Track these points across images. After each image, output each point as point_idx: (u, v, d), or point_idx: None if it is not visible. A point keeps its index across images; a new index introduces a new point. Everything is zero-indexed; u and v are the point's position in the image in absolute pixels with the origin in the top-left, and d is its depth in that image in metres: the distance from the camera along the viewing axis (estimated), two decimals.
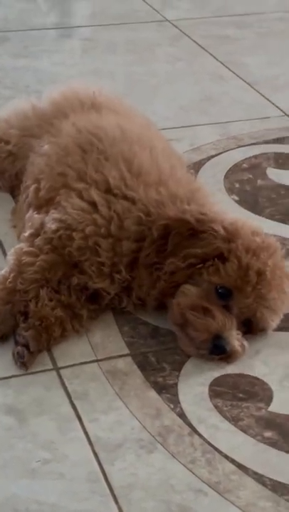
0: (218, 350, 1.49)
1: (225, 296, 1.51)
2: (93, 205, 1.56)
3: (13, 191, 1.93)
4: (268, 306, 1.52)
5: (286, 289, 1.55)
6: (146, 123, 1.84)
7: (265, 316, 1.53)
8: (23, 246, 1.59)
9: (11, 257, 1.59)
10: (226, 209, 1.77)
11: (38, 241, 1.57)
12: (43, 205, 1.66)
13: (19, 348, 1.49)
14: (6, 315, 1.53)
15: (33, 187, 1.71)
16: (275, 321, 1.56)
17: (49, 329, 1.52)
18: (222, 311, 1.49)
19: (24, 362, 1.48)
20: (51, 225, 1.57)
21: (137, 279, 1.56)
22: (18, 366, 1.49)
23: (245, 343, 1.53)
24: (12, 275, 1.55)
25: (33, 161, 1.77)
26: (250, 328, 1.55)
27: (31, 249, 1.57)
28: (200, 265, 1.52)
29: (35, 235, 1.59)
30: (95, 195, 1.57)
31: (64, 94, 1.89)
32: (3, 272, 1.57)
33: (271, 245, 1.55)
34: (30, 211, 1.68)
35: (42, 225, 1.59)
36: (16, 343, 1.51)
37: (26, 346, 1.49)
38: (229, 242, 1.52)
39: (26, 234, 1.61)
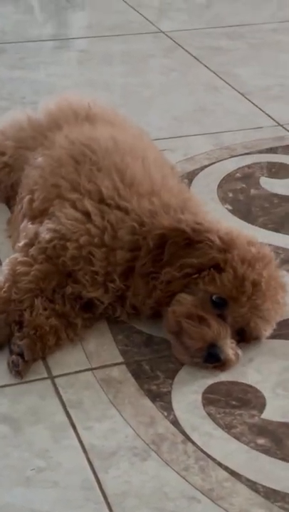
0: (213, 359, 1.50)
1: (220, 305, 1.52)
2: (87, 215, 1.58)
3: (9, 202, 1.95)
4: (261, 316, 1.53)
5: (280, 300, 1.56)
6: (140, 134, 1.85)
7: (258, 326, 1.55)
8: (18, 256, 1.60)
9: (5, 267, 1.60)
10: (220, 218, 1.78)
11: (32, 251, 1.59)
12: (37, 215, 1.68)
13: (14, 357, 1.50)
14: (0, 324, 1.54)
15: (27, 198, 1.73)
16: (268, 331, 1.57)
17: (44, 338, 1.53)
18: (217, 320, 1.51)
19: (19, 371, 1.49)
20: (45, 235, 1.58)
21: (133, 288, 1.57)
22: (13, 375, 1.50)
23: (239, 351, 1.54)
24: (7, 285, 1.56)
25: (28, 173, 1.79)
26: (244, 337, 1.56)
27: (26, 259, 1.58)
28: (196, 275, 1.53)
29: (29, 244, 1.61)
30: (89, 205, 1.58)
31: (59, 106, 1.91)
32: None
33: (266, 256, 1.57)
34: (25, 221, 1.70)
35: (36, 235, 1.61)
36: (11, 352, 1.52)
37: (21, 355, 1.50)
38: (225, 253, 1.53)
39: (21, 244, 1.63)
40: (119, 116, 1.92)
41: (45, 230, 1.59)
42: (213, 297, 1.52)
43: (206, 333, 1.49)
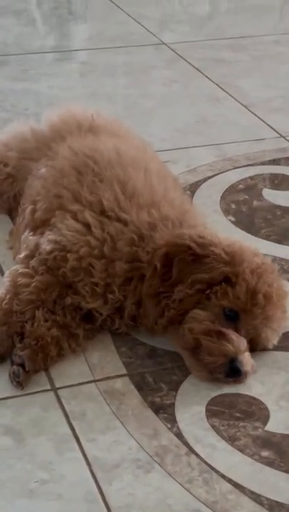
0: (235, 373, 1.50)
1: (233, 318, 1.52)
2: (87, 226, 1.58)
3: (11, 213, 1.95)
4: (271, 326, 1.55)
5: (285, 308, 1.58)
6: (143, 145, 1.86)
7: (268, 336, 1.56)
8: (18, 267, 1.60)
9: (6, 278, 1.60)
10: (223, 230, 1.78)
11: (33, 262, 1.59)
12: (39, 226, 1.68)
13: (15, 367, 1.50)
14: (2, 336, 1.54)
15: (29, 208, 1.73)
16: (275, 340, 1.59)
17: (45, 349, 1.53)
18: (235, 333, 1.51)
19: (20, 381, 1.49)
20: (46, 246, 1.58)
21: (143, 309, 1.57)
22: (14, 385, 1.50)
23: (254, 363, 1.54)
24: (8, 296, 1.56)
25: (31, 183, 1.79)
26: (252, 347, 1.56)
27: (26, 270, 1.58)
28: (208, 290, 1.53)
29: (30, 256, 1.61)
30: (89, 217, 1.58)
31: (62, 118, 1.91)
32: None
33: (270, 266, 1.58)
34: (26, 232, 1.70)
35: (37, 246, 1.61)
36: (12, 362, 1.52)
37: (22, 366, 1.50)
38: (232, 266, 1.53)
39: (21, 255, 1.63)
40: (123, 127, 1.93)
41: (45, 242, 1.59)
42: (226, 311, 1.52)
43: (228, 348, 1.48)
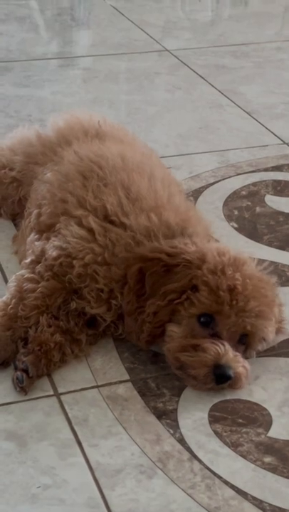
0: (223, 378, 1.49)
1: (208, 323, 1.51)
2: (91, 232, 1.58)
3: (15, 219, 1.96)
4: (254, 315, 1.51)
5: (267, 293, 1.54)
6: (149, 152, 1.86)
7: (256, 326, 1.52)
8: (24, 273, 1.61)
9: (12, 283, 1.61)
10: (225, 236, 1.79)
11: (38, 268, 1.59)
12: (44, 230, 1.68)
13: (18, 373, 1.50)
14: (6, 341, 1.54)
15: (35, 212, 1.73)
16: (269, 327, 1.54)
17: (48, 354, 1.53)
18: (210, 340, 1.49)
19: (23, 387, 1.49)
20: (52, 253, 1.59)
21: (125, 326, 1.57)
22: (18, 391, 1.50)
23: (246, 363, 1.53)
24: (13, 301, 1.57)
25: (37, 188, 1.79)
26: (249, 343, 1.55)
27: (32, 275, 1.59)
28: (179, 300, 1.52)
29: (35, 261, 1.61)
30: (93, 222, 1.59)
31: (68, 123, 1.91)
32: (4, 298, 1.59)
33: (238, 259, 1.55)
34: (32, 235, 1.70)
35: (43, 252, 1.61)
36: (16, 368, 1.52)
37: (25, 371, 1.50)
38: (198, 270, 1.52)
39: (27, 261, 1.64)
40: (128, 134, 1.93)
41: (51, 248, 1.60)
42: (200, 318, 1.51)
43: (205, 358, 1.48)
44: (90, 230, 1.58)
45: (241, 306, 1.50)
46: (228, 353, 1.49)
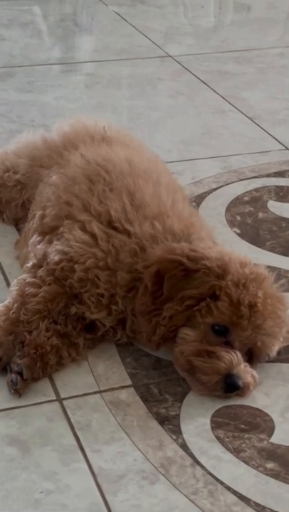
0: (233, 388, 1.50)
1: (222, 332, 1.52)
2: (94, 238, 1.59)
3: (18, 224, 1.96)
4: (266, 334, 1.53)
5: (281, 314, 1.55)
6: (155, 158, 1.86)
7: (265, 344, 1.55)
8: (26, 277, 1.61)
9: (14, 287, 1.61)
10: (228, 242, 1.79)
11: (40, 272, 1.59)
12: (47, 232, 1.68)
13: (13, 375, 1.50)
14: (8, 346, 1.54)
15: (39, 213, 1.73)
16: (275, 346, 1.57)
17: (44, 357, 1.53)
18: (225, 349, 1.51)
19: (17, 389, 1.50)
20: (54, 257, 1.59)
21: (137, 326, 1.58)
22: (12, 393, 1.50)
23: (254, 373, 1.54)
24: (15, 306, 1.57)
25: (42, 190, 1.79)
26: (253, 356, 1.56)
27: (34, 280, 1.59)
28: (197, 307, 1.53)
29: (37, 265, 1.61)
30: (96, 228, 1.59)
31: (74, 128, 1.91)
32: (6, 302, 1.59)
33: (259, 275, 1.56)
34: (34, 237, 1.71)
35: (45, 255, 1.61)
36: (11, 370, 1.52)
37: (20, 374, 1.50)
38: (220, 279, 1.53)
39: (29, 264, 1.64)
40: (135, 140, 1.93)
41: (54, 252, 1.60)
42: (215, 326, 1.52)
43: (219, 366, 1.49)
44: (93, 236, 1.59)
45: (258, 324, 1.52)
46: (240, 363, 1.50)
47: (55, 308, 1.58)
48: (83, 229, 1.61)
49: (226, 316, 1.51)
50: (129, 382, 1.56)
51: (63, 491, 1.34)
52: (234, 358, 1.49)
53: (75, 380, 1.56)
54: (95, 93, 2.77)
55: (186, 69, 2.99)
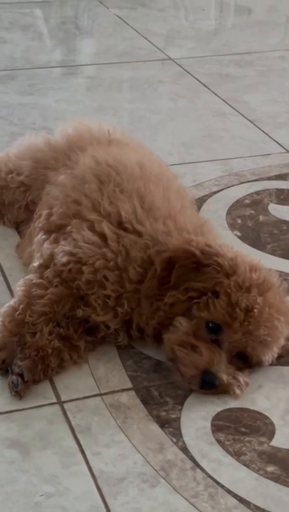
0: (208, 385, 1.50)
1: (214, 330, 1.52)
2: (104, 238, 1.58)
3: (19, 227, 1.96)
4: (258, 341, 1.52)
5: (278, 325, 1.54)
6: (162, 163, 1.86)
7: (256, 351, 1.54)
8: (33, 277, 1.60)
9: (20, 288, 1.60)
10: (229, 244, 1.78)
11: (47, 273, 1.58)
12: (53, 230, 1.67)
13: (14, 377, 1.50)
14: (13, 347, 1.54)
15: (45, 212, 1.73)
16: (267, 355, 1.56)
17: (45, 360, 1.53)
18: (209, 346, 1.50)
19: (18, 391, 1.49)
20: (61, 258, 1.58)
21: (138, 308, 1.57)
22: (13, 395, 1.50)
23: (241, 376, 1.53)
24: (21, 307, 1.56)
25: (49, 191, 1.78)
26: (246, 361, 1.55)
27: (41, 281, 1.58)
28: (198, 299, 1.53)
29: (44, 265, 1.61)
30: (106, 228, 1.58)
31: (78, 130, 1.91)
32: (11, 302, 1.59)
33: (267, 281, 1.55)
34: (40, 235, 1.70)
35: (51, 256, 1.61)
36: (12, 372, 1.52)
37: (21, 375, 1.50)
38: (226, 278, 1.53)
39: (35, 264, 1.63)
40: (140, 144, 1.92)
41: (61, 252, 1.59)
42: (209, 323, 1.52)
43: (198, 361, 1.49)
44: (103, 236, 1.58)
45: (251, 330, 1.51)
46: (220, 362, 1.50)
47: (60, 310, 1.57)
48: (92, 229, 1.60)
49: (220, 315, 1.51)
50: (129, 385, 1.56)
51: (63, 494, 1.34)
52: (216, 357, 1.49)
53: (75, 382, 1.56)
54: (96, 96, 2.77)
55: (187, 72, 2.99)
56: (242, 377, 1.53)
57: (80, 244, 1.57)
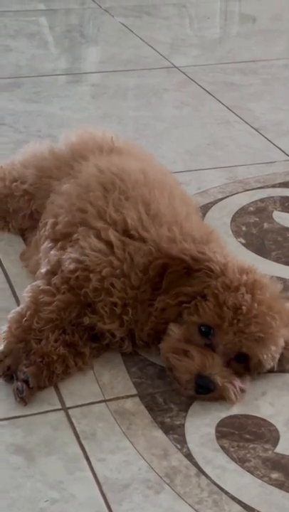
0: (203, 389, 1.50)
1: (207, 334, 1.52)
2: (110, 246, 1.58)
3: (24, 234, 1.96)
4: (251, 339, 1.51)
5: (270, 321, 1.52)
6: (165, 171, 1.87)
7: (253, 350, 1.52)
8: (40, 284, 1.60)
9: (27, 294, 1.60)
10: (233, 252, 1.78)
11: (55, 280, 1.59)
12: (59, 238, 1.68)
13: (19, 383, 1.50)
14: (18, 353, 1.54)
15: (51, 221, 1.73)
16: (265, 354, 1.53)
17: (51, 366, 1.53)
18: (201, 350, 1.51)
19: (23, 397, 1.50)
20: (69, 265, 1.59)
21: (135, 314, 1.58)
22: (18, 401, 1.50)
23: (238, 382, 1.51)
24: (28, 313, 1.56)
25: (54, 200, 1.78)
26: (247, 365, 1.54)
27: (48, 287, 1.59)
28: (188, 304, 1.53)
29: (51, 272, 1.61)
30: (112, 236, 1.59)
31: (82, 138, 1.92)
32: (19, 309, 1.59)
33: (257, 282, 1.54)
34: (46, 243, 1.71)
35: (59, 262, 1.61)
36: (17, 378, 1.52)
37: (26, 382, 1.50)
38: (216, 280, 1.53)
39: (43, 271, 1.63)
40: (144, 152, 1.93)
41: (68, 259, 1.59)
42: (201, 326, 1.52)
43: (191, 365, 1.49)
44: (109, 244, 1.59)
45: (241, 328, 1.50)
46: (214, 365, 1.50)
47: (67, 317, 1.58)
48: (98, 237, 1.60)
49: (209, 317, 1.51)
50: (134, 391, 1.57)
51: (68, 500, 1.34)
52: (208, 360, 1.49)
53: (80, 389, 1.56)
54: (100, 104, 2.78)
55: (192, 80, 3.00)
56: (238, 383, 1.52)
57: (87, 252, 1.58)
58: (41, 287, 1.59)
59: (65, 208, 1.71)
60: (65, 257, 1.60)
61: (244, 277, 1.53)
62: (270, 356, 1.55)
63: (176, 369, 1.52)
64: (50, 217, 1.75)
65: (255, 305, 1.51)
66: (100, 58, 3.29)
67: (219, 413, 1.53)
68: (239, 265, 1.57)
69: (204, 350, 1.51)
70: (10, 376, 1.54)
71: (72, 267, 1.58)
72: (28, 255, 1.84)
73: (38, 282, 1.62)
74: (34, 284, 1.62)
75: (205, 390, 1.50)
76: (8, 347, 1.54)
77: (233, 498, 1.36)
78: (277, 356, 1.57)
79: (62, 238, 1.67)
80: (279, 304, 1.56)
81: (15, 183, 1.93)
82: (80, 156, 1.84)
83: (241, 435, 1.49)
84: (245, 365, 1.55)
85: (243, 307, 1.50)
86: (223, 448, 1.46)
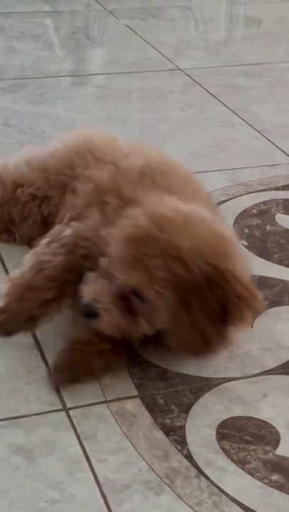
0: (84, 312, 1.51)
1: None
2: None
3: (31, 244, 1.85)
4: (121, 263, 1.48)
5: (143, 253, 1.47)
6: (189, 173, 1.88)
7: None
8: (39, 249, 1.61)
9: (28, 256, 1.61)
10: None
11: (54, 244, 1.60)
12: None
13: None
14: (18, 312, 1.54)
15: (68, 215, 1.73)
16: (139, 282, 1.47)
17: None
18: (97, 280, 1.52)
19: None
20: (67, 232, 1.61)
21: None
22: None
23: (116, 311, 1.50)
24: (30, 272, 1.57)
25: (70, 199, 1.78)
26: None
27: (47, 250, 1.60)
28: None
29: (51, 241, 1.62)
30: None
31: (82, 138, 1.91)
32: (19, 271, 1.60)
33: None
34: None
35: (60, 232, 1.62)
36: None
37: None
38: None
39: (44, 241, 1.63)
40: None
41: (68, 228, 1.62)
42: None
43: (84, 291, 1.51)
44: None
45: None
46: (97, 291, 1.50)
47: (71, 278, 1.56)
48: (104, 213, 1.63)
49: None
50: (135, 392, 1.57)
51: (68, 501, 1.34)
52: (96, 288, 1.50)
53: (81, 389, 1.56)
54: (105, 105, 2.78)
55: (196, 82, 3.00)
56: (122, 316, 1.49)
57: (87, 222, 1.60)
58: (40, 251, 1.60)
59: (82, 204, 1.72)
60: (67, 228, 1.63)
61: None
62: (139, 279, 1.47)
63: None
64: (68, 212, 1.74)
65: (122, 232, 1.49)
66: (104, 60, 3.30)
67: (220, 414, 1.53)
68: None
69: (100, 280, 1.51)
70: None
71: (68, 231, 1.60)
72: None
73: (38, 248, 1.62)
74: (35, 249, 1.63)
75: (84, 310, 1.50)
76: (8, 304, 1.55)
77: (233, 500, 1.36)
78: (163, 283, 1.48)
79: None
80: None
81: (20, 188, 1.86)
82: (91, 156, 1.81)
83: (242, 437, 1.49)
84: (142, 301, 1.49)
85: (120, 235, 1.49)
86: (223, 450, 1.46)
